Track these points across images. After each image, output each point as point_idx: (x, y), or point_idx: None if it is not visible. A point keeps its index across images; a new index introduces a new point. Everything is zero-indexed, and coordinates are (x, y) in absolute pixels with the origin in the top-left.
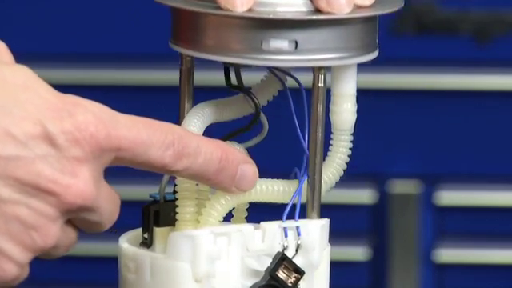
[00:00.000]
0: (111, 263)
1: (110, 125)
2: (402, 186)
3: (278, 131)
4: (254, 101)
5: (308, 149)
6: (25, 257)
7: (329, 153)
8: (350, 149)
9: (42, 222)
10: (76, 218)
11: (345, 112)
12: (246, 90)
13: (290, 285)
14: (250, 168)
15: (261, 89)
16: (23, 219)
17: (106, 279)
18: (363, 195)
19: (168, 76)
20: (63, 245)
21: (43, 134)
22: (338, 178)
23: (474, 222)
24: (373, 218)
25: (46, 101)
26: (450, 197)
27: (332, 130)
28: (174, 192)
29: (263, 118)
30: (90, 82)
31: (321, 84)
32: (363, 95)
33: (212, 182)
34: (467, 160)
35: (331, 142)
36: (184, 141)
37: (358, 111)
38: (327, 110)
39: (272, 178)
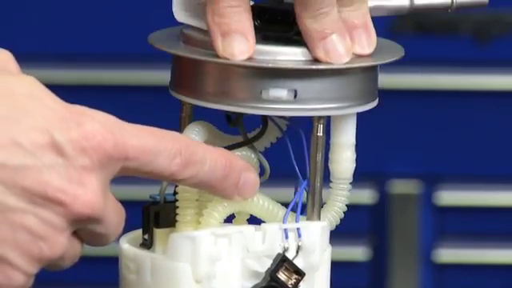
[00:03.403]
0: (112, 264)
1: (117, 134)
2: (402, 186)
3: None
4: (266, 119)
5: (308, 195)
6: (32, 267)
7: (327, 201)
8: (348, 198)
9: (50, 232)
10: (82, 229)
11: (344, 161)
12: (271, 118)
13: (290, 286)
14: (251, 175)
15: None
16: (31, 229)
17: (106, 280)
18: (363, 195)
19: (168, 76)
20: (69, 256)
21: (51, 144)
22: (334, 227)
23: (474, 222)
24: (373, 218)
25: (54, 110)
26: (450, 197)
27: (331, 179)
28: (175, 193)
29: (264, 162)
30: (90, 82)
31: (320, 134)
32: None
33: (216, 189)
34: (467, 160)
35: (330, 190)
36: (190, 149)
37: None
38: (326, 158)
39: (274, 179)
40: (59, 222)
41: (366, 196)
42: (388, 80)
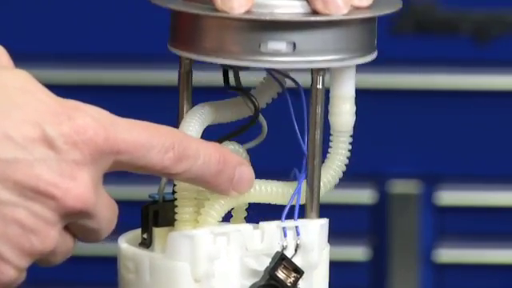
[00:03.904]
0: (111, 263)
1: (109, 128)
2: (402, 186)
3: (277, 131)
4: (252, 101)
5: (307, 150)
6: (23, 261)
7: (328, 155)
8: (350, 151)
9: (41, 226)
10: (74, 224)
11: (344, 114)
12: (245, 91)
13: (289, 284)
14: (246, 170)
15: (259, 91)
16: (22, 222)
17: (105, 279)
18: (363, 195)
19: (168, 76)
20: (61, 251)
21: (42, 137)
22: (338, 180)
23: (474, 222)
24: (373, 218)
25: (45, 104)
26: (450, 197)
27: (331, 132)
28: (173, 192)
29: (262, 120)
30: (90, 82)
31: (319, 86)
32: (363, 95)
33: (210, 184)
34: (467, 160)
35: (330, 143)
36: (184, 143)
37: (359, 111)
38: (326, 112)
39: (271, 178)
40: (50, 216)
41: (366, 196)
42: (388, 80)
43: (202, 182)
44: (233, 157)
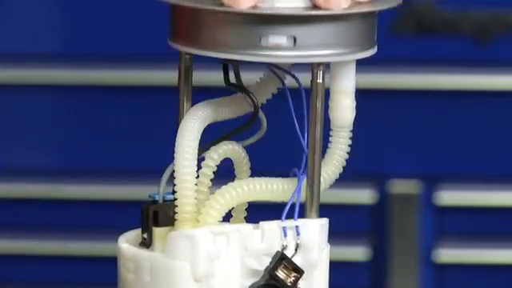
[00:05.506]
0: (111, 263)
1: None
2: (402, 186)
3: (277, 131)
4: (252, 99)
5: (307, 147)
6: None
7: (328, 150)
8: (349, 145)
9: None
10: None
11: (344, 108)
12: (244, 89)
13: (289, 284)
14: None
15: (259, 87)
16: None
17: (105, 279)
18: (363, 195)
19: (168, 76)
20: None
21: None
22: (338, 175)
23: (474, 222)
24: (373, 218)
25: None
26: (450, 197)
27: (331, 127)
28: (173, 192)
29: (262, 117)
30: (90, 82)
31: (319, 80)
32: (363, 95)
33: None
34: (467, 160)
35: (330, 138)
36: None
37: (359, 111)
38: (326, 107)
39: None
40: None
41: (366, 196)
42: (388, 80)
43: None
44: None
